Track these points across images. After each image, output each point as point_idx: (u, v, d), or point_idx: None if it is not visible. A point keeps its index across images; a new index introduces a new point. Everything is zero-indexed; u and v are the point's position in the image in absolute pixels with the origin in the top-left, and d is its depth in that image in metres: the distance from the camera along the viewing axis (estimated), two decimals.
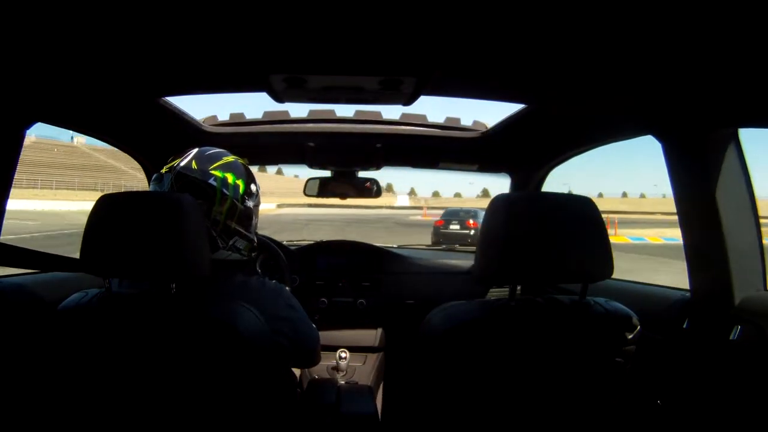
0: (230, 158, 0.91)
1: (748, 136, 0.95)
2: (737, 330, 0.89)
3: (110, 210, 0.74)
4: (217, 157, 0.89)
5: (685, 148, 0.97)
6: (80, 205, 19.25)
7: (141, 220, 0.72)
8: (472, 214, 11.98)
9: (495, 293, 1.65)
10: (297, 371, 1.02)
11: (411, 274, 1.72)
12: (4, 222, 0.97)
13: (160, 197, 0.78)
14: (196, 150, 0.89)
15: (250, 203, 0.91)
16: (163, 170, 0.86)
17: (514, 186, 1.73)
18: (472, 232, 10.90)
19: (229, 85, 1.06)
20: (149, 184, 0.92)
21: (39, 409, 0.92)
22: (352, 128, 1.46)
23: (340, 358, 1.62)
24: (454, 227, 11.52)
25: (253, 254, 0.95)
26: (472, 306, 0.81)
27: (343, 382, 1.49)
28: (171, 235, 0.71)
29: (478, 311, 0.79)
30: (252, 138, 1.48)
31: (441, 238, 10.84)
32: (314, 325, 1.02)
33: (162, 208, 0.73)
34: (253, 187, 0.92)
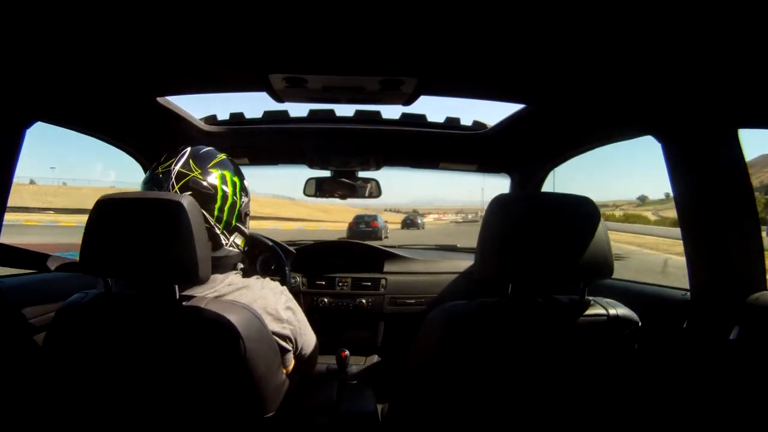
0: (222, 156, 0.91)
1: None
2: (737, 330, 0.89)
3: (110, 212, 0.74)
4: (212, 155, 0.90)
5: (685, 148, 0.97)
6: None
7: (142, 222, 0.72)
8: (374, 217, 17.54)
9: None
10: (296, 372, 1.02)
11: (411, 274, 1.71)
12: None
13: (160, 199, 0.78)
14: (189, 149, 0.89)
15: (245, 199, 0.92)
16: (159, 171, 0.86)
17: (514, 186, 1.73)
18: (378, 228, 16.53)
19: (229, 85, 1.06)
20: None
21: (39, 408, 0.92)
22: (352, 128, 1.46)
23: (340, 357, 1.62)
24: (362, 227, 16.56)
25: (245, 248, 0.96)
26: (472, 305, 0.81)
27: (343, 382, 1.48)
28: (173, 237, 0.71)
29: (479, 311, 0.79)
30: (252, 137, 1.48)
31: (353, 234, 15.60)
32: (314, 325, 1.01)
33: (163, 210, 0.73)
34: (246, 183, 0.93)
